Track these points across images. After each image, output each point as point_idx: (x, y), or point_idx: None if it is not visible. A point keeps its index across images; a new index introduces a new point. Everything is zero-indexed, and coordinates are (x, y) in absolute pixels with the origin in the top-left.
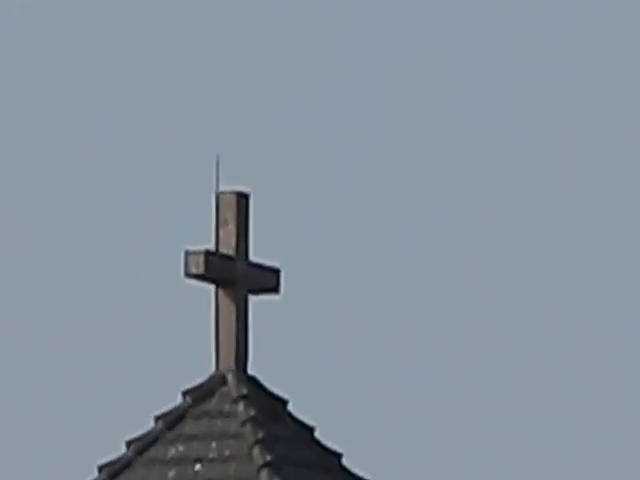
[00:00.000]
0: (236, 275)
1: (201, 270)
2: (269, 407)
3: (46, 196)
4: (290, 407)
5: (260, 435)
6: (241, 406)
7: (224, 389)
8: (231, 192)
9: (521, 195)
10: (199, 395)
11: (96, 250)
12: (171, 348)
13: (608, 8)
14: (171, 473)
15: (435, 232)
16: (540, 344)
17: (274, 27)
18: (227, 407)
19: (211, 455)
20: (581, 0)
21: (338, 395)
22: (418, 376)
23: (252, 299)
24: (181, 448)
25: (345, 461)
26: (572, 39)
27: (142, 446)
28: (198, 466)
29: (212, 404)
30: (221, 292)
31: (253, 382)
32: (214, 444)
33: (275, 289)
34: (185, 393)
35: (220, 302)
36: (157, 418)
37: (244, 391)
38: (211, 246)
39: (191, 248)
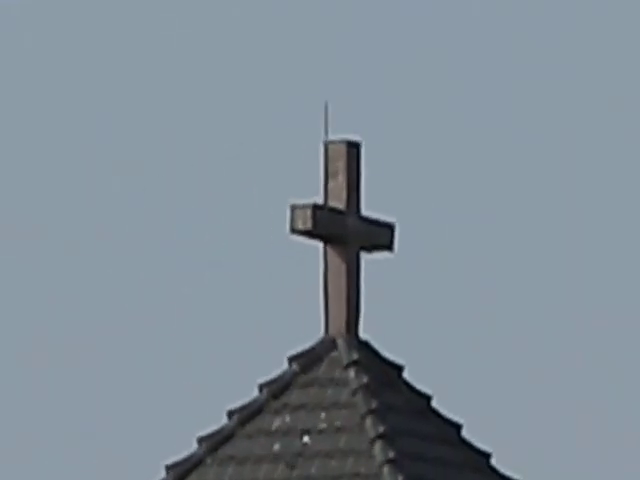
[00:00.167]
0: (346, 231)
1: (308, 226)
2: (382, 374)
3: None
4: (405, 374)
5: (373, 405)
6: (352, 373)
7: (334, 355)
8: (341, 141)
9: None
10: (307, 361)
11: (196, 206)
12: (276, 311)
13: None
14: (276, 445)
15: (553, 182)
16: None
17: None
18: (337, 374)
19: (320, 426)
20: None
21: (457, 361)
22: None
23: (364, 257)
24: (287, 419)
25: (465, 432)
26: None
27: (245, 416)
28: (306, 438)
29: (321, 371)
30: (330, 250)
31: (365, 347)
32: (323, 414)
33: (389, 246)
34: (291, 359)
35: (329, 261)
36: (261, 386)
37: (355, 357)
38: (319, 199)
39: (297, 202)
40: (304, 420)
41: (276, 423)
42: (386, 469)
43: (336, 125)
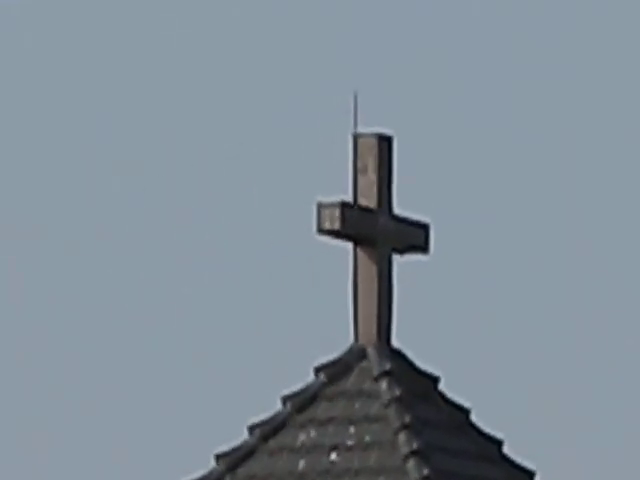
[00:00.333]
0: (377, 231)
1: (337, 225)
2: (417, 386)
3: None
4: (441, 386)
5: (406, 419)
6: (384, 384)
7: (364, 365)
8: (371, 134)
9: None
10: (335, 372)
11: (215, 206)
12: (302, 317)
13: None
14: (302, 463)
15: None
16: None
17: None
18: (367, 386)
19: (349, 442)
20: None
21: (498, 372)
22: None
23: (396, 259)
24: (313, 434)
25: (506, 449)
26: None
27: (268, 431)
28: (334, 455)
29: (350, 382)
30: (360, 251)
31: (398, 356)
32: (352, 429)
33: (423, 247)
34: (318, 370)
35: (359, 263)
36: (285, 399)
37: (387, 367)
38: (348, 197)
39: (325, 200)
40: (331, 435)
41: (301, 439)
42: None
43: (366, 117)
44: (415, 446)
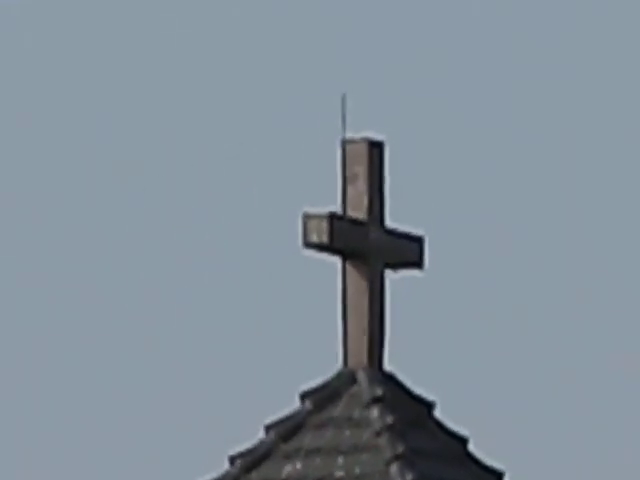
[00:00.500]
0: (368, 245)
1: (324, 239)
2: (411, 412)
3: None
4: (437, 412)
5: (399, 449)
6: (375, 412)
7: (353, 390)
8: (361, 139)
9: None
10: (322, 398)
11: (192, 215)
12: (286, 339)
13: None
14: None
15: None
16: None
17: None
18: (357, 413)
19: (338, 473)
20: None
21: (498, 398)
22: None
23: (389, 275)
24: (299, 465)
25: None
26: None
27: (250, 462)
28: None
29: (338, 409)
30: (350, 266)
31: (390, 381)
32: (341, 460)
33: (418, 263)
34: (304, 396)
35: (348, 279)
36: (269, 427)
37: (379, 392)
38: (337, 208)
39: (311, 211)
40: (319, 467)
41: (286, 470)
42: None
43: (355, 121)
44: (409, 478)
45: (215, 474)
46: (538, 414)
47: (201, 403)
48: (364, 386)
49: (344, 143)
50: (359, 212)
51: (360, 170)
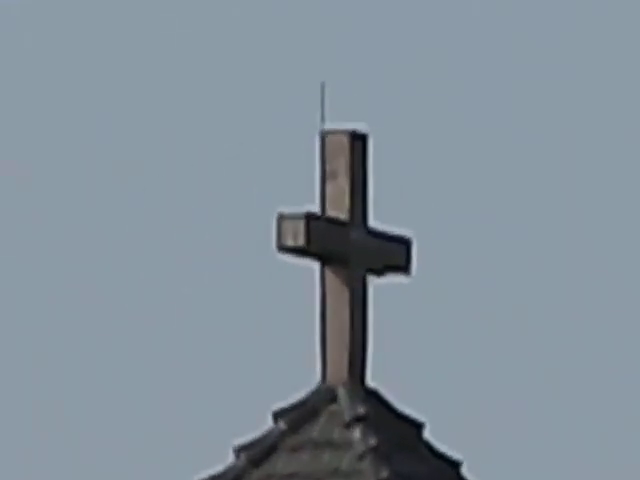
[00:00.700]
0: (350, 248)
1: (301, 241)
2: (397, 433)
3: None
4: (427, 433)
5: (384, 473)
6: (357, 432)
7: (333, 408)
8: (342, 131)
9: None
10: (298, 417)
11: (164, 213)
12: (258, 352)
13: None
14: None
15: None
16: None
17: None
18: (337, 434)
19: None
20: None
21: (493, 416)
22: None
23: (372, 281)
24: None
25: None
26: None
27: None
28: None
29: (316, 430)
30: (329, 272)
31: (374, 398)
32: None
33: (404, 267)
34: (278, 415)
35: (328, 286)
36: (238, 450)
37: (361, 411)
38: (315, 207)
39: (287, 211)
40: None
41: None
42: None
43: (335, 111)
44: None
45: None
46: (538, 437)
47: (167, 425)
48: (345, 404)
49: (323, 135)
50: (339, 211)
51: (341, 165)
